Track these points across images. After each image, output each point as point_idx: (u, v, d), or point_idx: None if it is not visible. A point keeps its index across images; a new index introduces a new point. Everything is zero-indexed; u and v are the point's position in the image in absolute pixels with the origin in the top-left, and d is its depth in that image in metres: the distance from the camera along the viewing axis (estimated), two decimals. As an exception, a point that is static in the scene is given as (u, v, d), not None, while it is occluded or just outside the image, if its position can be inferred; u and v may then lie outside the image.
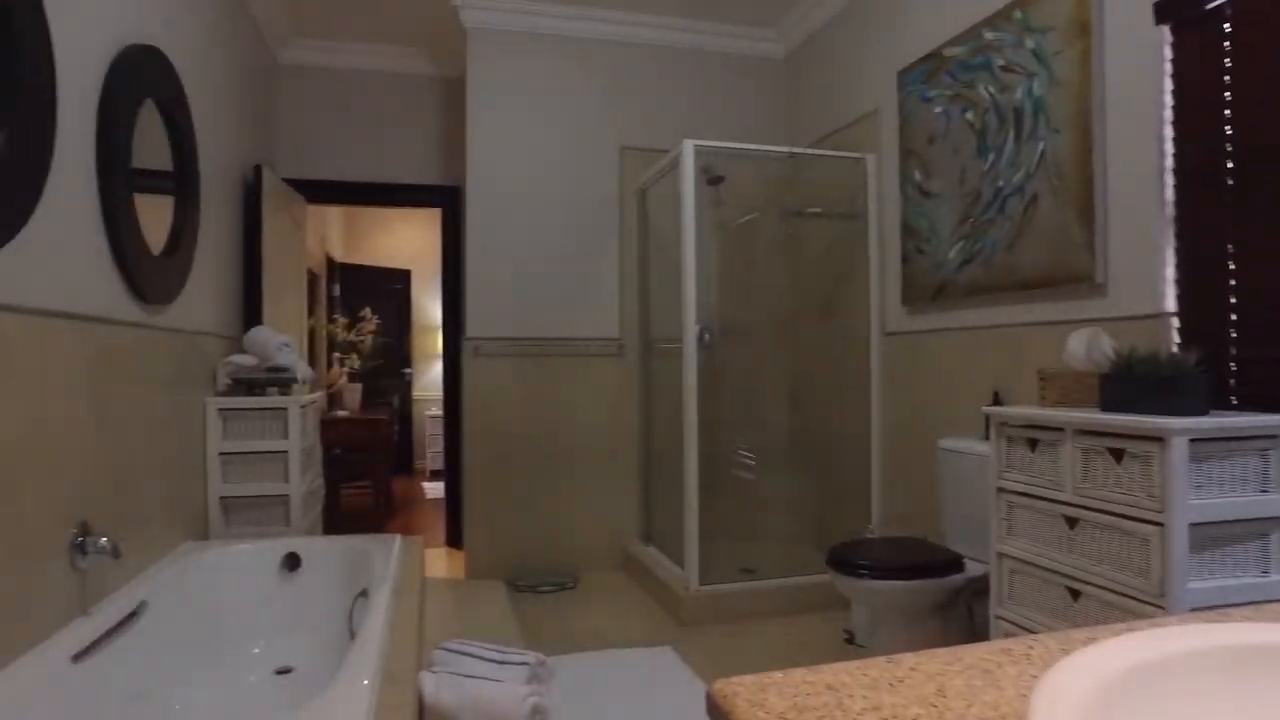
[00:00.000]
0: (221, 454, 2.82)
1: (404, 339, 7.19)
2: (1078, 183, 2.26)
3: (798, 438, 4.10)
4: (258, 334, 3.02)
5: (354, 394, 5.29)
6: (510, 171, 3.88)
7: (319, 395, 3.33)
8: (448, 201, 4.40)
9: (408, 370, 7.19)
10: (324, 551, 2.67)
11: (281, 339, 3.01)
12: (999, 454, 2.02)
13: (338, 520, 5.14)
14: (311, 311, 5.45)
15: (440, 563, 4.14)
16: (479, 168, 3.85)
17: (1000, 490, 2.02)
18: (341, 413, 5.10)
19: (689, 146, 3.18)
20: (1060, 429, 1.82)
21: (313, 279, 5.51)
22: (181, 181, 2.57)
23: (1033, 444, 1.91)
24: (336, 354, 5.61)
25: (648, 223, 3.99)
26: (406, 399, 7.18)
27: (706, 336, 3.52)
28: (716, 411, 3.77)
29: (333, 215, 6.59)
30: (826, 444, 3.83)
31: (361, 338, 5.38)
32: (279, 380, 2.94)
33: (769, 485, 4.06)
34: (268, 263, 3.46)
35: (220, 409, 2.82)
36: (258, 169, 3.42)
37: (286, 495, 2.87)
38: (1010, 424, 1.99)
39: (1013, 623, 1.95)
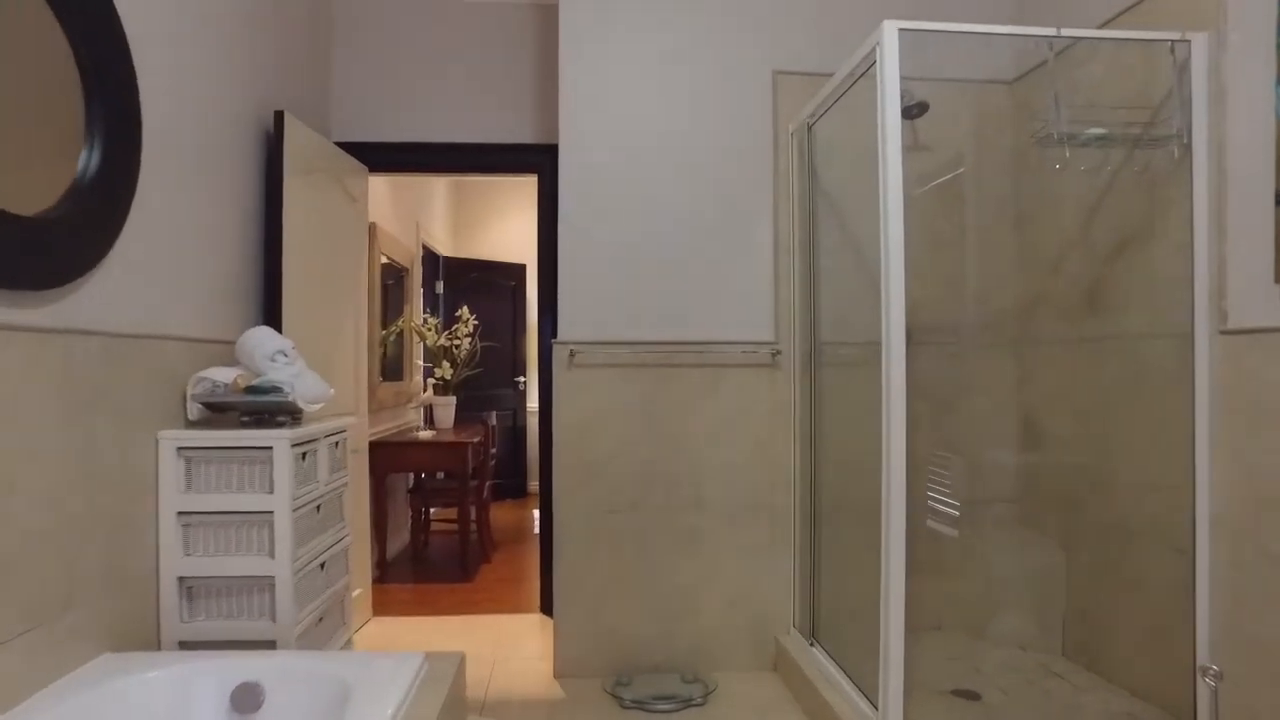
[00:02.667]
0: (181, 514, 1.92)
1: (517, 343, 6.31)
2: None
3: (1036, 488, 2.78)
4: (248, 339, 2.11)
5: (446, 409, 4.40)
6: (621, 119, 2.81)
7: (347, 423, 2.40)
8: (545, 164, 3.39)
9: (520, 379, 6.30)
10: (304, 679, 1.69)
11: (276, 345, 2.08)
12: None
13: (421, 563, 4.28)
14: (400, 312, 4.64)
15: (530, 641, 3.13)
16: (576, 115, 2.80)
17: None
18: (424, 433, 4.20)
19: (891, 32, 1.96)
20: None
21: (402, 273, 4.70)
22: (96, 104, 1.67)
23: None
24: (421, 362, 4.78)
25: (814, 175, 2.78)
26: (520, 411, 6.30)
27: (903, 339, 2.30)
28: (909, 446, 2.53)
29: (436, 201, 5.80)
30: (1094, 502, 2.49)
31: (457, 342, 4.49)
32: (267, 406, 2.01)
33: (986, 553, 2.79)
34: (293, 244, 2.57)
35: (180, 448, 1.92)
36: (279, 116, 2.54)
37: (270, 577, 1.93)
38: None
39: None
